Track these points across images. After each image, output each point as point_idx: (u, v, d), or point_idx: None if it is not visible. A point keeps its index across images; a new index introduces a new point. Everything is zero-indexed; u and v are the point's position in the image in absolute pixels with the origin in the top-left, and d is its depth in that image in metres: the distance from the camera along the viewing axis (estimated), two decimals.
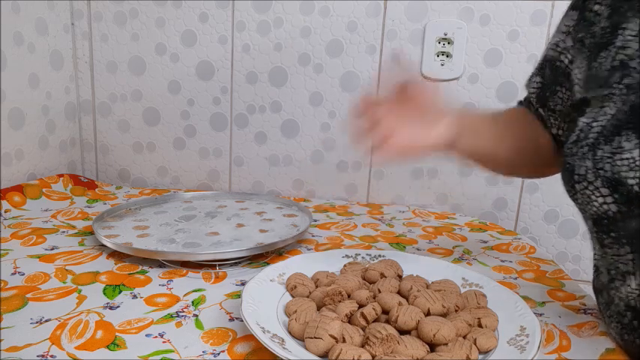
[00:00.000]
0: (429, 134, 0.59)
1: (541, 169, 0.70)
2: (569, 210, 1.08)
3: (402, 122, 0.58)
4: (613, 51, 0.51)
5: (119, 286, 0.62)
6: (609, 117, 0.47)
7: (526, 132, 0.65)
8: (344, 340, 0.46)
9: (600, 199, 0.46)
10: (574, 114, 0.58)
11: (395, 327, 0.49)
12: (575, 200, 0.50)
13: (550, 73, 0.62)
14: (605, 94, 0.49)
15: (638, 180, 0.43)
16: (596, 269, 0.56)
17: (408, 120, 0.58)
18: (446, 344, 0.47)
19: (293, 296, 0.57)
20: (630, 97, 0.47)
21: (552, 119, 0.63)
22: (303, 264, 0.64)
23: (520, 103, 0.70)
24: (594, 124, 0.48)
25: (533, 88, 0.65)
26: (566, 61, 0.58)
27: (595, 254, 0.54)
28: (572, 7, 0.59)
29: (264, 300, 0.55)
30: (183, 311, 0.57)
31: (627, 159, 0.44)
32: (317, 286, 0.59)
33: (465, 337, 0.49)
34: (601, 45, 0.53)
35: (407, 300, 0.54)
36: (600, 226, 0.49)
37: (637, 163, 0.43)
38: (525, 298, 0.61)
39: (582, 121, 0.51)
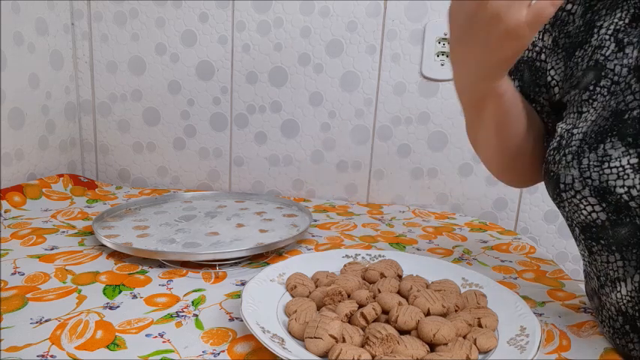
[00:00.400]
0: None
1: (529, 174, 0.63)
2: None
3: None
4: (589, 50, 0.50)
5: (119, 286, 0.62)
6: (589, 123, 0.47)
7: (532, 115, 0.59)
8: (344, 340, 0.46)
9: (589, 208, 0.46)
10: (553, 116, 0.58)
11: (395, 327, 0.49)
12: (561, 208, 0.50)
13: (530, 75, 0.59)
14: (583, 99, 0.49)
15: (627, 189, 0.43)
16: (585, 275, 0.56)
17: None
18: (446, 344, 0.47)
19: (293, 296, 0.57)
20: (610, 103, 0.46)
21: (548, 136, 0.61)
22: (303, 264, 0.64)
23: None
24: (575, 130, 0.48)
25: None
26: (546, 58, 0.57)
27: (584, 260, 0.53)
28: None
29: (264, 300, 0.55)
30: (183, 311, 0.57)
31: (615, 167, 0.43)
32: (317, 286, 0.59)
33: (465, 337, 0.49)
34: (576, 44, 0.52)
35: (407, 300, 0.54)
36: (589, 233, 0.49)
37: (626, 171, 0.43)
38: (525, 298, 0.61)
39: (561, 127, 0.50)
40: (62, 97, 1.10)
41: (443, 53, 1.04)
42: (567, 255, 1.12)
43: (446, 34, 1.03)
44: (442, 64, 1.04)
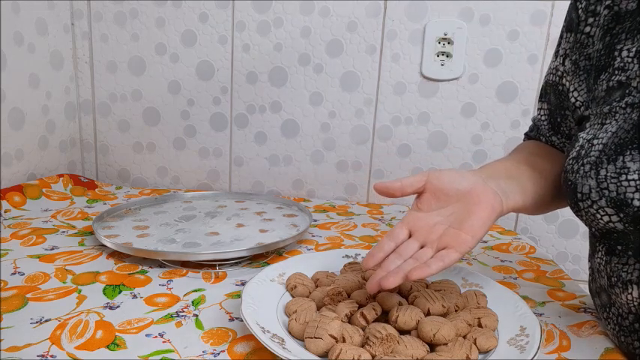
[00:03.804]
0: (480, 219, 0.50)
1: (557, 206, 0.64)
2: (569, 210, 1.08)
3: (447, 232, 0.50)
4: (611, 72, 0.50)
5: (119, 286, 0.62)
6: (610, 135, 0.47)
7: (547, 164, 0.61)
8: (344, 340, 0.46)
9: (605, 218, 0.46)
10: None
11: (395, 327, 0.49)
12: (579, 217, 0.50)
13: (555, 98, 0.61)
14: (605, 112, 0.49)
15: None
16: (592, 272, 0.56)
17: (448, 221, 0.51)
18: (446, 344, 0.47)
19: (293, 296, 0.57)
20: (632, 116, 0.46)
21: (569, 146, 0.62)
22: (303, 264, 0.64)
23: (527, 135, 0.69)
24: (595, 141, 0.48)
25: (542, 116, 0.64)
26: (567, 84, 0.58)
27: (596, 258, 0.53)
28: (567, 30, 0.58)
29: (264, 300, 0.55)
30: (183, 311, 0.57)
31: (634, 180, 0.43)
32: (317, 286, 0.59)
33: (465, 337, 0.49)
34: (599, 68, 0.52)
35: (407, 300, 0.54)
36: (609, 239, 0.49)
37: None
38: (525, 298, 0.61)
39: (582, 137, 0.50)
40: (62, 97, 1.10)
41: (443, 53, 1.04)
42: (567, 255, 1.12)
43: (446, 34, 1.03)
44: (442, 64, 1.04)
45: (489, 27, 1.02)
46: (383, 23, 1.05)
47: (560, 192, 0.58)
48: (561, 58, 0.59)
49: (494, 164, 0.60)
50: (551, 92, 0.61)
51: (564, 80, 0.58)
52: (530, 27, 1.01)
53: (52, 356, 0.46)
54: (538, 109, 0.65)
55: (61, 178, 1.02)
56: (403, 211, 1.05)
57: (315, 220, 0.94)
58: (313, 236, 0.85)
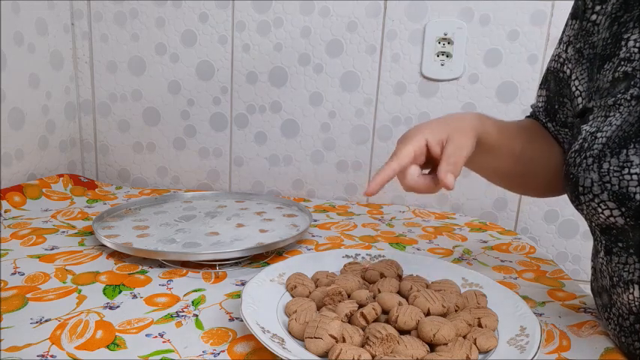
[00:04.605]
0: (464, 142, 0.51)
1: (548, 190, 0.66)
2: (569, 210, 1.08)
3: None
4: (616, 62, 0.50)
5: (119, 286, 0.62)
6: (614, 128, 0.46)
7: (537, 144, 0.62)
8: (344, 340, 0.46)
9: (607, 212, 0.46)
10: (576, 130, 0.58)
11: (395, 327, 0.49)
12: (580, 211, 0.49)
13: (554, 85, 0.61)
14: (610, 104, 0.49)
15: None
16: (594, 272, 0.55)
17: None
18: (446, 344, 0.47)
19: (293, 296, 0.57)
20: (637, 109, 0.46)
21: (563, 134, 0.62)
22: (303, 264, 0.64)
23: (528, 117, 0.69)
24: (599, 134, 0.47)
25: (540, 102, 0.64)
26: (568, 72, 0.58)
27: (598, 258, 0.53)
28: (572, 17, 0.58)
29: (264, 300, 0.55)
30: (183, 311, 0.57)
31: (637, 174, 0.43)
32: (317, 286, 0.59)
33: (465, 337, 0.49)
34: (604, 57, 0.52)
35: (407, 300, 0.54)
36: (609, 235, 0.49)
37: None
38: (525, 298, 0.61)
39: (585, 129, 0.50)
40: (62, 97, 1.10)
41: (443, 53, 1.04)
42: (567, 255, 1.12)
43: (446, 34, 1.03)
44: (442, 64, 1.04)
45: (489, 27, 1.02)
46: (383, 23, 1.05)
47: (529, 177, 0.61)
48: (564, 45, 0.58)
49: (500, 128, 0.58)
50: (552, 79, 0.61)
51: (565, 68, 0.58)
52: (530, 27, 1.01)
53: (52, 356, 0.46)
54: (537, 96, 0.65)
55: (61, 178, 1.02)
56: (403, 211, 1.05)
57: (315, 220, 0.94)
58: (313, 236, 0.85)
